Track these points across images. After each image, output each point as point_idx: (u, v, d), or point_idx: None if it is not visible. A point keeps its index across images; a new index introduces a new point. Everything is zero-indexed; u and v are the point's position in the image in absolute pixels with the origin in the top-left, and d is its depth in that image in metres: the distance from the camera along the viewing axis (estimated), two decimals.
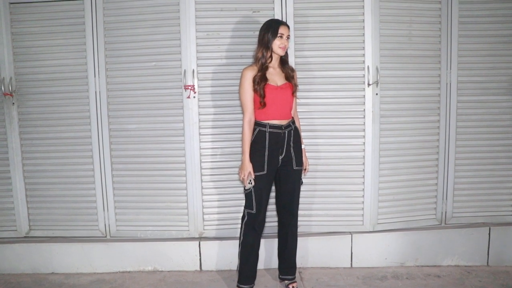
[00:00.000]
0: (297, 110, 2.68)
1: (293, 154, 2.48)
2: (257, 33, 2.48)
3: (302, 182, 2.58)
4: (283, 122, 2.45)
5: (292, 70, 2.53)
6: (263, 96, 2.37)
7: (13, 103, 2.88)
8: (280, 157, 2.46)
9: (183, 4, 2.75)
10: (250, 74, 2.39)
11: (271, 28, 2.38)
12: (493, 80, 2.92)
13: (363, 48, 2.80)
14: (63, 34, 2.83)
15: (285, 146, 2.45)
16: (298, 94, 2.62)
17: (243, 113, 2.44)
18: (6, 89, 2.85)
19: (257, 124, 2.44)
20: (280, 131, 2.43)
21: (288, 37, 2.41)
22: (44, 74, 2.86)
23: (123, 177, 2.91)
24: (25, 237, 2.97)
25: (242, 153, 2.42)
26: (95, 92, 2.84)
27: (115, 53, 2.83)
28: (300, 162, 2.52)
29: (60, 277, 2.86)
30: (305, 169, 2.62)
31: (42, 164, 2.92)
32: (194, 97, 2.82)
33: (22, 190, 2.93)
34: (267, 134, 2.41)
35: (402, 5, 2.82)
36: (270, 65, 2.44)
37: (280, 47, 2.39)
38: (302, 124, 2.73)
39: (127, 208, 2.93)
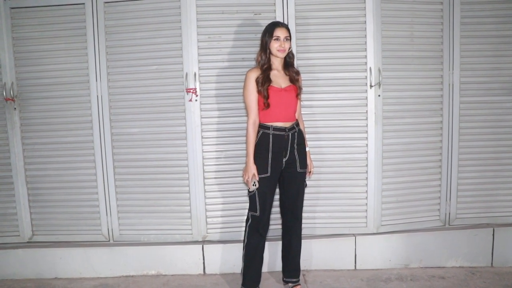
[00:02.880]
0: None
1: (297, 157, 2.47)
2: (259, 35, 2.47)
3: (306, 185, 2.57)
4: (287, 124, 2.44)
5: (297, 73, 2.51)
6: (267, 97, 2.36)
7: (15, 108, 2.87)
8: (284, 160, 2.45)
9: (184, 7, 2.75)
10: (254, 76, 2.39)
11: (267, 31, 2.38)
12: (496, 81, 2.91)
13: (365, 50, 2.79)
14: (64, 39, 2.83)
15: (289, 149, 2.45)
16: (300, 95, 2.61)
17: (247, 115, 2.44)
18: (8, 94, 2.85)
19: (261, 126, 2.43)
20: (283, 133, 2.42)
21: (286, 39, 2.39)
22: (45, 79, 2.86)
23: (125, 181, 2.90)
24: (28, 242, 2.97)
25: (247, 155, 2.41)
26: (97, 96, 2.84)
27: (117, 57, 2.82)
28: (304, 165, 2.51)
29: (64, 282, 2.86)
30: (310, 172, 2.61)
31: (44, 169, 2.92)
32: (196, 100, 2.81)
33: (25, 195, 2.93)
34: (271, 136, 2.41)
35: (404, 6, 2.81)
36: (274, 67, 2.43)
37: (278, 50, 2.38)
38: (305, 126, 2.72)
39: (130, 212, 2.92)
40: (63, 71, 2.85)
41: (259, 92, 2.38)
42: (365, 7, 2.76)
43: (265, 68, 2.39)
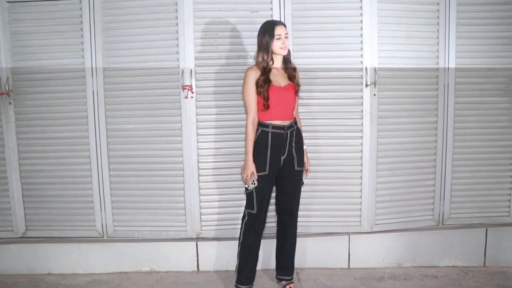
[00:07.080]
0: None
1: (294, 155, 2.48)
2: (255, 33, 2.47)
3: (303, 183, 2.58)
4: (286, 122, 2.44)
5: (294, 69, 2.51)
6: (267, 98, 2.36)
7: (10, 103, 2.86)
8: (282, 158, 2.45)
9: (181, 4, 2.75)
10: (253, 74, 2.38)
11: (267, 30, 2.37)
12: (491, 82, 2.92)
13: (361, 49, 2.79)
14: (60, 34, 2.82)
15: (287, 147, 2.45)
16: None
17: (246, 113, 2.43)
18: (3, 89, 2.84)
19: (259, 124, 2.42)
20: (282, 131, 2.42)
21: (286, 36, 2.40)
22: (41, 74, 2.85)
23: (120, 177, 2.90)
24: (21, 237, 2.96)
25: (246, 153, 2.41)
26: (93, 91, 2.83)
27: (113, 52, 2.82)
28: (301, 163, 2.52)
29: (57, 277, 2.85)
30: (306, 170, 2.62)
31: (39, 164, 2.91)
32: (191, 97, 2.81)
33: (19, 190, 2.92)
34: (270, 134, 2.41)
35: (400, 7, 2.81)
36: (273, 66, 2.42)
37: (281, 48, 2.38)
38: (302, 125, 2.71)
39: (124, 208, 2.92)
40: (59, 66, 2.84)
41: (258, 93, 2.37)
42: (361, 7, 2.77)
43: (267, 70, 2.39)
